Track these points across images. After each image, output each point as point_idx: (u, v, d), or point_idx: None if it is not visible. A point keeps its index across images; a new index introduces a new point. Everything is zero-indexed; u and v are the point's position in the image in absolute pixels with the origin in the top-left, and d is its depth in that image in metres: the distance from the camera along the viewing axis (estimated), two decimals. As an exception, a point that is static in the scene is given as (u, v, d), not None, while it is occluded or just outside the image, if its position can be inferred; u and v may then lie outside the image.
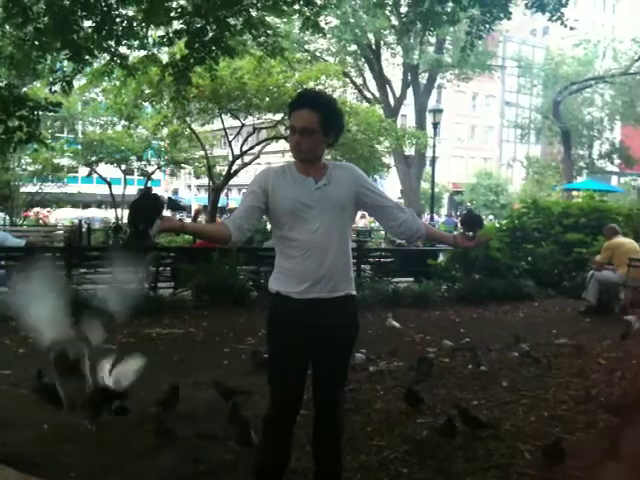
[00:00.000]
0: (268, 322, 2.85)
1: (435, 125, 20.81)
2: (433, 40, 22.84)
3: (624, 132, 38.96)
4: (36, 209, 26.25)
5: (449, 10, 9.62)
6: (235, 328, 7.44)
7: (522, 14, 11.26)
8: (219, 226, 2.87)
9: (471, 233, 2.96)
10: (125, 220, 23.82)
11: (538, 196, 17.26)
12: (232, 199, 38.06)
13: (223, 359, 5.96)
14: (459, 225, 23.32)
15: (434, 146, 20.93)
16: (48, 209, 26.86)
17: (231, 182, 20.65)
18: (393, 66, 25.87)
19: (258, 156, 18.89)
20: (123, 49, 9.47)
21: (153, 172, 23.70)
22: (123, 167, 23.99)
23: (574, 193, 23.72)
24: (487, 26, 9.09)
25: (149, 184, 22.33)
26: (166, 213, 2.65)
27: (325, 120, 2.70)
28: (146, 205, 2.54)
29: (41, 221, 24.73)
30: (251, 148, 18.38)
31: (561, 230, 11.26)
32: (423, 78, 25.56)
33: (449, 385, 5.14)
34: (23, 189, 23.38)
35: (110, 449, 3.71)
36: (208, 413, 4.30)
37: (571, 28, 9.29)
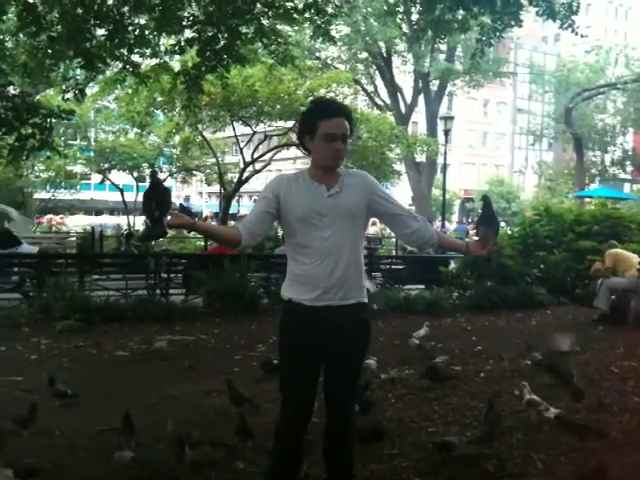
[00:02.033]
0: (280, 329, 2.85)
1: (446, 132, 20.78)
2: (444, 47, 22.83)
3: (636, 139, 38.72)
4: (49, 216, 26.44)
5: (460, 18, 9.62)
6: (246, 335, 7.45)
7: (533, 21, 11.20)
8: (230, 228, 2.89)
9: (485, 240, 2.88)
10: (138, 226, 24.02)
11: (550, 203, 17.14)
12: (243, 206, 38.08)
13: (234, 366, 5.96)
14: (470, 231, 23.27)
15: (445, 153, 20.91)
16: (61, 216, 27.05)
17: (242, 189, 20.72)
18: (404, 73, 25.91)
19: (269, 163, 18.97)
20: (135, 57, 9.51)
21: (165, 179, 23.80)
22: (135, 174, 24.14)
23: (586, 200, 23.58)
24: (498, 33, 9.06)
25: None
26: None
27: (351, 127, 2.77)
28: (159, 194, 2.59)
29: (54, 228, 24.88)
30: (262, 155, 18.45)
31: (574, 237, 11.19)
32: (434, 85, 25.56)
33: (460, 393, 5.11)
34: (36, 196, 23.56)
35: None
36: (218, 420, 4.29)
37: (582, 35, 9.24)
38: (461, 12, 9.29)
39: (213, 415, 4.48)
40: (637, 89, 29.22)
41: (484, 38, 9.23)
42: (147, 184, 2.78)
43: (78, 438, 3.92)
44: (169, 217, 2.57)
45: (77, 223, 26.08)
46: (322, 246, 2.70)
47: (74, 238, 18.20)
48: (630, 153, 34.87)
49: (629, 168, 35.30)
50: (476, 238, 3.03)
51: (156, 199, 2.56)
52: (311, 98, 2.94)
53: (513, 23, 8.98)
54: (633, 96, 30.47)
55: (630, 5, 60.12)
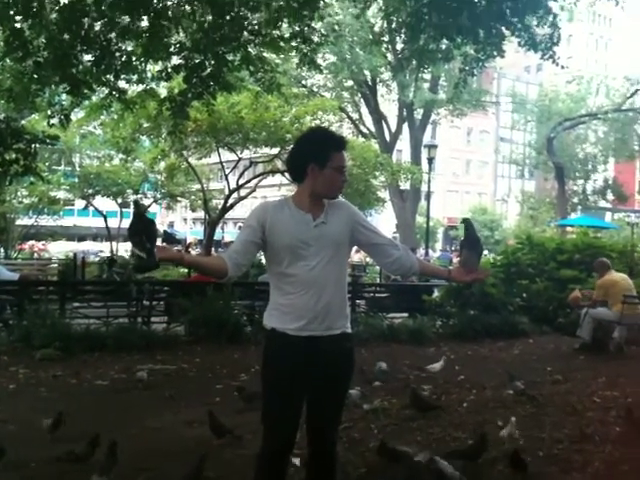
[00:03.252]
0: (263, 359, 2.81)
1: (430, 160, 20.97)
2: (428, 77, 23.14)
3: (617, 168, 39.36)
4: (31, 242, 26.21)
5: (444, 48, 9.78)
6: (228, 364, 7.38)
7: (515, 52, 11.40)
8: (216, 259, 2.85)
9: (468, 264, 2.90)
10: (123, 252, 23.85)
11: (532, 232, 17.29)
12: (228, 232, 38.08)
13: (215, 396, 5.89)
14: (455, 259, 23.35)
15: (429, 181, 21.08)
16: (43, 242, 26.82)
17: (227, 215, 20.70)
18: (389, 102, 26.21)
19: (254, 190, 18.99)
20: (122, 83, 9.54)
21: (149, 205, 23.73)
22: (119, 200, 24.06)
23: (568, 229, 23.82)
24: (480, 63, 9.22)
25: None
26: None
27: None
28: (147, 226, 2.55)
29: (36, 254, 24.65)
30: (248, 182, 18.47)
31: (555, 266, 11.27)
32: (418, 114, 25.86)
33: (443, 424, 5.08)
34: (18, 222, 23.36)
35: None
36: (199, 451, 4.22)
37: (563, 67, 9.42)
38: (445, 42, 9.45)
39: (194, 446, 4.41)
40: (617, 119, 29.76)
41: (467, 68, 9.39)
42: (131, 215, 2.68)
43: (53, 470, 3.84)
44: (156, 250, 2.53)
45: (59, 249, 25.88)
46: (308, 275, 2.69)
47: (56, 265, 18.02)
48: (611, 182, 35.42)
49: (610, 197, 35.77)
50: (457, 263, 3.05)
51: (146, 231, 2.52)
52: (324, 130, 2.95)
53: (496, 53, 9.13)
54: (614, 126, 30.99)
55: (610, 37, 61.58)
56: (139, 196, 23.30)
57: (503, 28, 8.65)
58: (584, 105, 31.61)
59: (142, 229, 2.53)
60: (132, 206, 2.79)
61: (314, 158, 2.74)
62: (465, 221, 3.06)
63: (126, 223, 26.27)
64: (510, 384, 6.09)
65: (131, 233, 2.55)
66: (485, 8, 8.36)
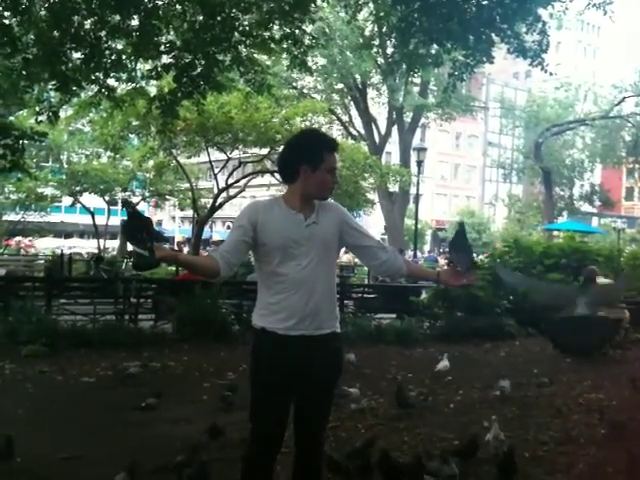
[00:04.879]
0: (252, 358, 2.80)
1: (419, 163, 21.02)
2: (418, 81, 23.22)
3: (604, 174, 39.68)
4: (18, 238, 26.04)
5: (433, 52, 9.83)
6: (216, 363, 7.37)
7: (503, 59, 11.48)
8: (208, 259, 2.82)
9: (459, 267, 2.90)
10: (112, 250, 23.71)
11: (519, 235, 17.39)
12: (216, 232, 37.99)
13: (202, 394, 5.89)
14: (441, 260, 23.42)
15: (418, 184, 21.12)
16: (30, 238, 26.65)
17: (216, 214, 20.66)
18: (379, 105, 26.25)
19: (243, 189, 18.98)
20: (111, 81, 9.51)
21: (137, 203, 23.68)
22: (107, 197, 23.96)
23: (555, 233, 23.98)
24: (469, 68, 9.27)
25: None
26: None
27: None
28: (145, 224, 2.51)
29: (22, 250, 24.50)
30: (237, 181, 18.45)
31: (542, 270, 11.34)
32: (408, 117, 25.93)
33: (430, 424, 5.11)
34: (5, 217, 23.22)
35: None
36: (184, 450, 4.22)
37: (551, 73, 9.48)
38: (434, 47, 9.51)
39: (180, 444, 4.39)
40: (605, 125, 30.00)
41: (456, 73, 9.44)
42: (126, 214, 2.60)
43: (41, 466, 3.82)
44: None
45: (46, 246, 25.72)
46: (298, 275, 2.69)
47: (42, 261, 17.91)
48: (597, 188, 35.67)
49: (597, 202, 36.05)
50: (445, 265, 3.07)
51: (145, 228, 2.48)
52: (317, 132, 2.93)
53: (485, 59, 9.19)
54: (601, 132, 31.24)
55: (598, 45, 62.08)
56: (127, 194, 23.24)
57: (493, 34, 8.71)
58: (572, 111, 31.82)
59: (142, 226, 2.49)
60: (122, 206, 2.73)
61: (306, 159, 2.75)
62: (460, 225, 3.07)
63: (113, 220, 26.22)
64: (496, 385, 6.13)
65: (131, 231, 2.50)
66: (475, 14, 8.43)
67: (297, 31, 8.91)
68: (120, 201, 20.58)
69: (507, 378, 6.16)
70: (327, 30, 20.38)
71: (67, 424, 4.80)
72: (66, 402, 5.53)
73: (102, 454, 4.13)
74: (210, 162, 17.80)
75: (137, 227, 2.49)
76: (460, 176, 57.29)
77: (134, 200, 23.60)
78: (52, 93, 10.09)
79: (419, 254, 26.25)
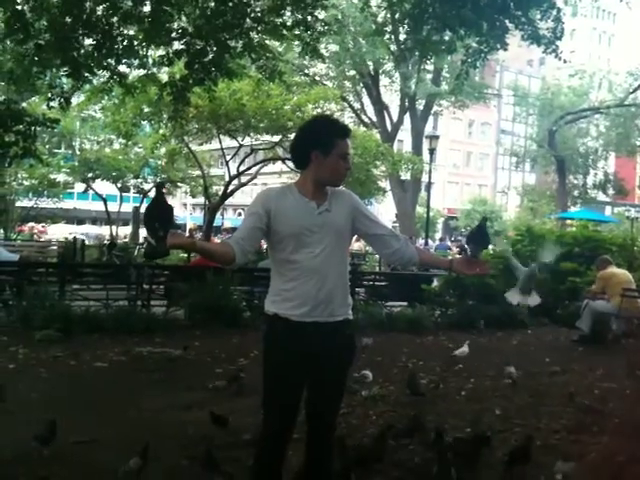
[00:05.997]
0: (265, 344, 2.81)
1: (431, 151, 20.92)
2: (431, 68, 23.05)
3: (618, 163, 39.32)
4: (31, 224, 26.21)
5: (446, 39, 9.73)
6: (227, 349, 7.39)
7: (517, 46, 11.34)
8: (224, 246, 2.80)
9: (473, 255, 2.96)
10: (123, 236, 23.81)
11: (532, 224, 17.27)
12: (228, 219, 38.09)
13: (215, 380, 5.91)
14: (454, 249, 23.33)
15: (430, 172, 21.04)
16: (43, 224, 26.81)
17: (227, 202, 20.69)
18: (391, 92, 26.10)
19: (255, 177, 18.97)
20: (123, 68, 9.51)
21: (149, 190, 23.78)
22: (119, 184, 24.04)
23: (568, 222, 23.82)
24: (483, 55, 9.18)
25: (144, 201, 22.30)
26: None
27: None
28: (164, 212, 2.50)
29: (35, 236, 24.65)
30: (248, 169, 18.45)
31: (555, 259, 11.25)
32: (420, 105, 25.75)
33: (442, 412, 5.11)
34: (18, 203, 23.36)
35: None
36: (198, 436, 4.24)
37: (565, 61, 9.37)
38: (448, 34, 9.41)
39: (192, 430, 4.42)
40: (619, 114, 29.67)
41: (469, 60, 9.34)
42: (151, 198, 2.58)
43: (54, 449, 3.85)
44: (169, 236, 2.47)
45: (59, 232, 25.86)
46: (311, 263, 2.70)
47: (55, 247, 18.02)
48: (611, 177, 35.37)
49: (610, 191, 35.76)
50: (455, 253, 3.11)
51: (160, 217, 2.46)
52: (330, 118, 2.92)
53: (498, 46, 9.09)
54: (615, 121, 30.91)
55: (613, 32, 61.34)
56: (139, 181, 23.26)
57: (506, 21, 8.60)
58: (586, 99, 31.52)
59: (158, 215, 2.47)
60: (155, 188, 2.71)
61: (318, 145, 2.75)
62: (483, 219, 3.18)
63: (126, 207, 26.32)
64: (507, 373, 6.12)
65: (146, 219, 2.49)
66: (489, 1, 8.32)
67: (309, 17, 8.86)
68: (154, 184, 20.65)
69: (512, 364, 6.18)
70: (339, 16, 20.23)
71: (80, 408, 4.83)
72: (79, 387, 5.58)
73: (115, 438, 4.16)
74: (222, 149, 17.80)
75: (152, 216, 2.48)
76: (472, 164, 57.02)
77: (146, 187, 23.71)
78: (64, 79, 10.10)
79: (430, 242, 26.16)
